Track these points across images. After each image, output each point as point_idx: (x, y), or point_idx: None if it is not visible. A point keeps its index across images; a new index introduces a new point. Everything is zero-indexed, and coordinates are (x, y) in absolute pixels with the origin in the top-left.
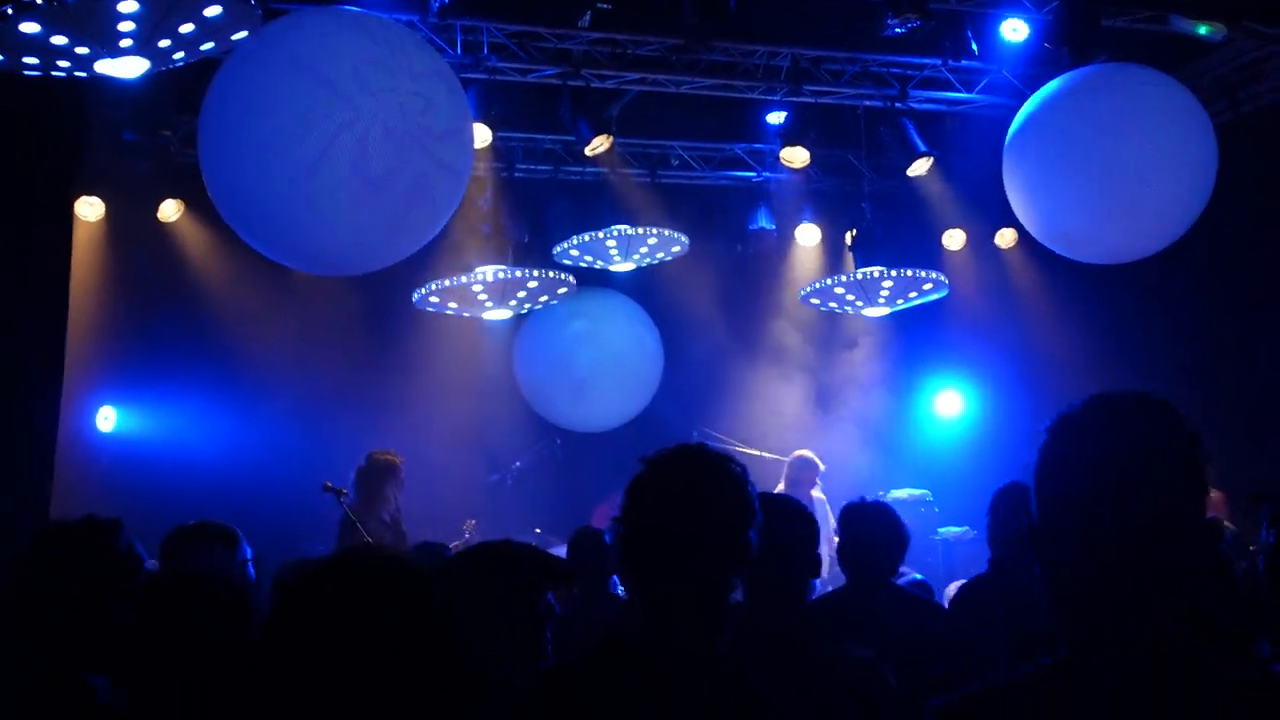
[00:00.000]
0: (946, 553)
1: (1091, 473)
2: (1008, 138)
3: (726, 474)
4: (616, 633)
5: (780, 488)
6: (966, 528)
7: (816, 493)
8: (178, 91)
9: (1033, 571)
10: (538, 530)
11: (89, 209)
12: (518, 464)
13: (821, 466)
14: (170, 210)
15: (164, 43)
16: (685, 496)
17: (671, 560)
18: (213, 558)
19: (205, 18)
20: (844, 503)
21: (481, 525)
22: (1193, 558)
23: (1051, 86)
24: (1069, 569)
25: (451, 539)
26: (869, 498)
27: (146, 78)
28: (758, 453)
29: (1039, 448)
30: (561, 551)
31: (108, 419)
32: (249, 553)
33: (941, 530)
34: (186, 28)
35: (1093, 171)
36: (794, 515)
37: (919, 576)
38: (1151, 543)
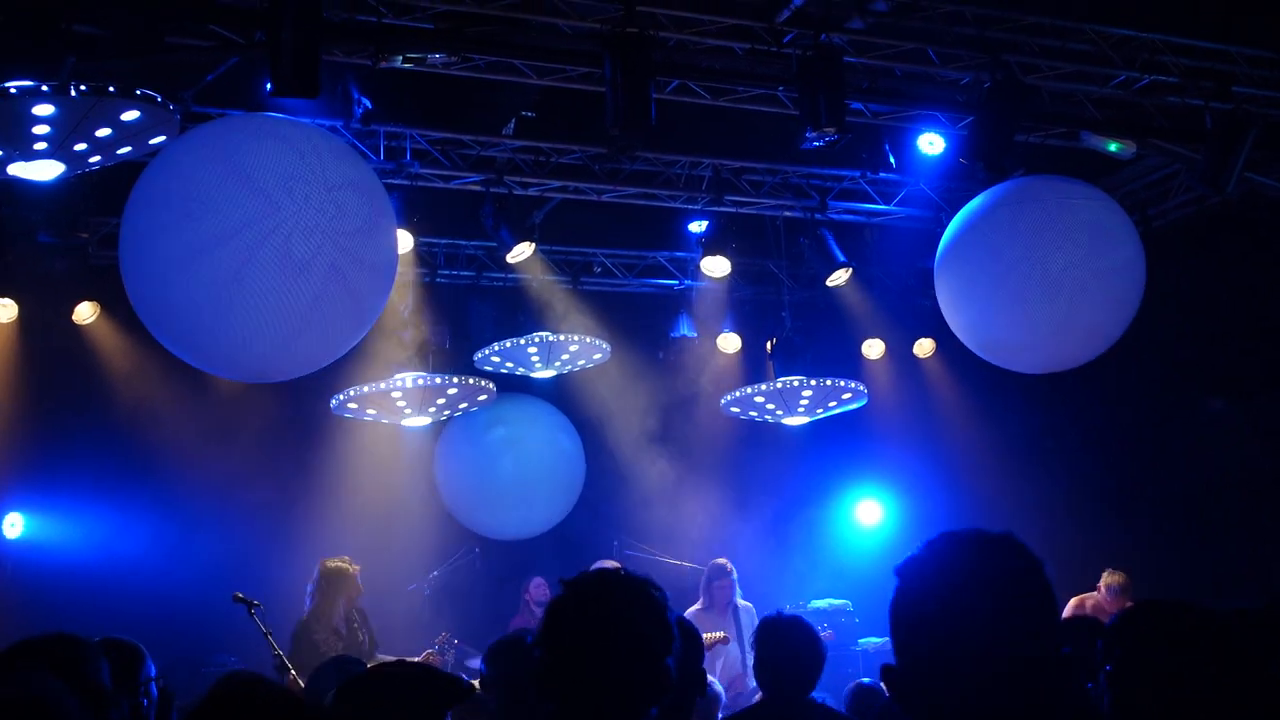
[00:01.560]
0: (867, 663)
1: (946, 613)
2: (940, 248)
3: (645, 599)
4: None
5: (700, 603)
6: (887, 638)
7: (742, 601)
8: (96, 193)
9: None
10: (455, 641)
11: (1, 310)
12: (435, 573)
13: (734, 572)
14: (85, 312)
15: (80, 146)
16: (603, 623)
17: (589, 687)
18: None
19: (123, 122)
20: (762, 614)
21: (398, 635)
22: (1054, 683)
23: (982, 197)
24: (937, 711)
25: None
26: (786, 611)
27: (63, 179)
28: (678, 562)
29: (894, 591)
30: (479, 664)
31: (14, 525)
32: (153, 671)
33: (862, 641)
34: (103, 132)
35: (1024, 282)
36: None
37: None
38: (1011, 677)
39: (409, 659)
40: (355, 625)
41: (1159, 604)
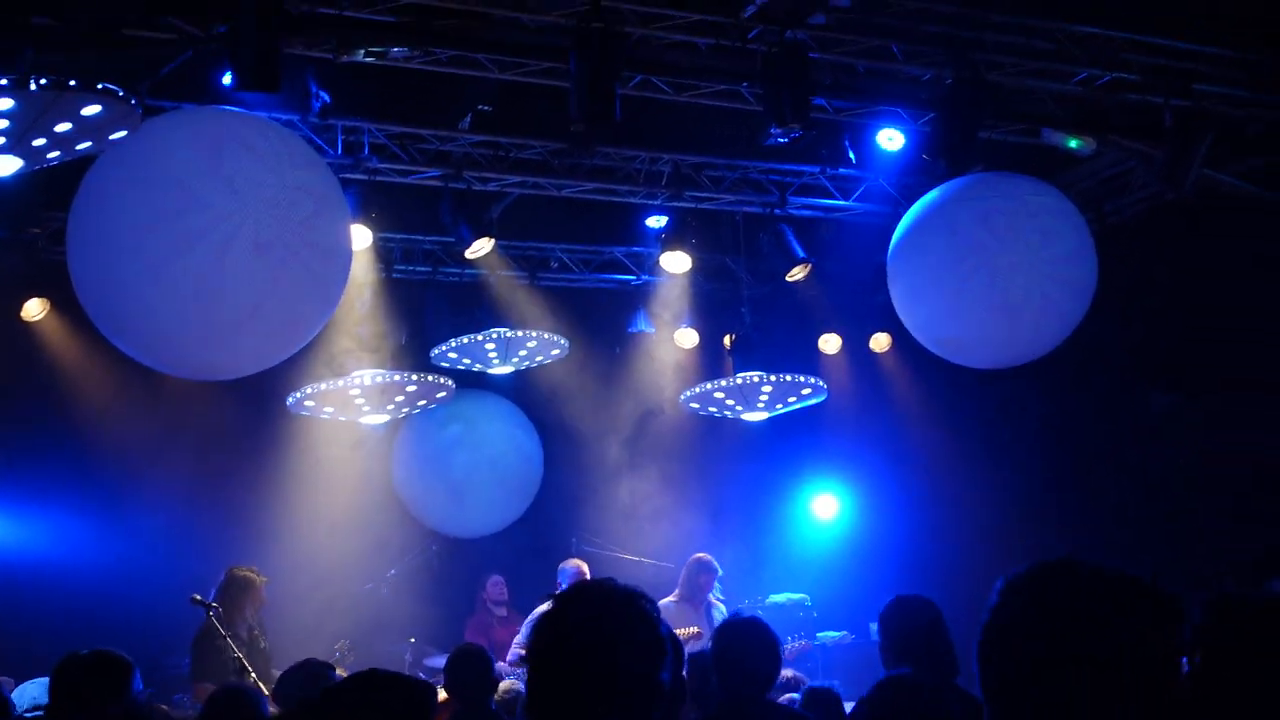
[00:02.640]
0: (824, 657)
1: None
2: (892, 243)
3: (637, 612)
4: None
5: (676, 594)
6: (845, 632)
7: (717, 598)
8: (47, 188)
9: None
10: (412, 640)
11: None
12: (393, 571)
13: (720, 570)
14: (35, 309)
15: (38, 141)
16: (595, 638)
17: (582, 703)
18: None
19: (83, 117)
20: (723, 608)
21: (356, 633)
22: None
23: (934, 193)
24: None
25: (322, 651)
26: (744, 610)
27: (18, 175)
28: (637, 558)
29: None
30: (437, 662)
31: None
32: (140, 685)
33: (820, 634)
34: (63, 127)
35: (976, 278)
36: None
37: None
38: None
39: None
40: (256, 634)
41: (1247, 597)
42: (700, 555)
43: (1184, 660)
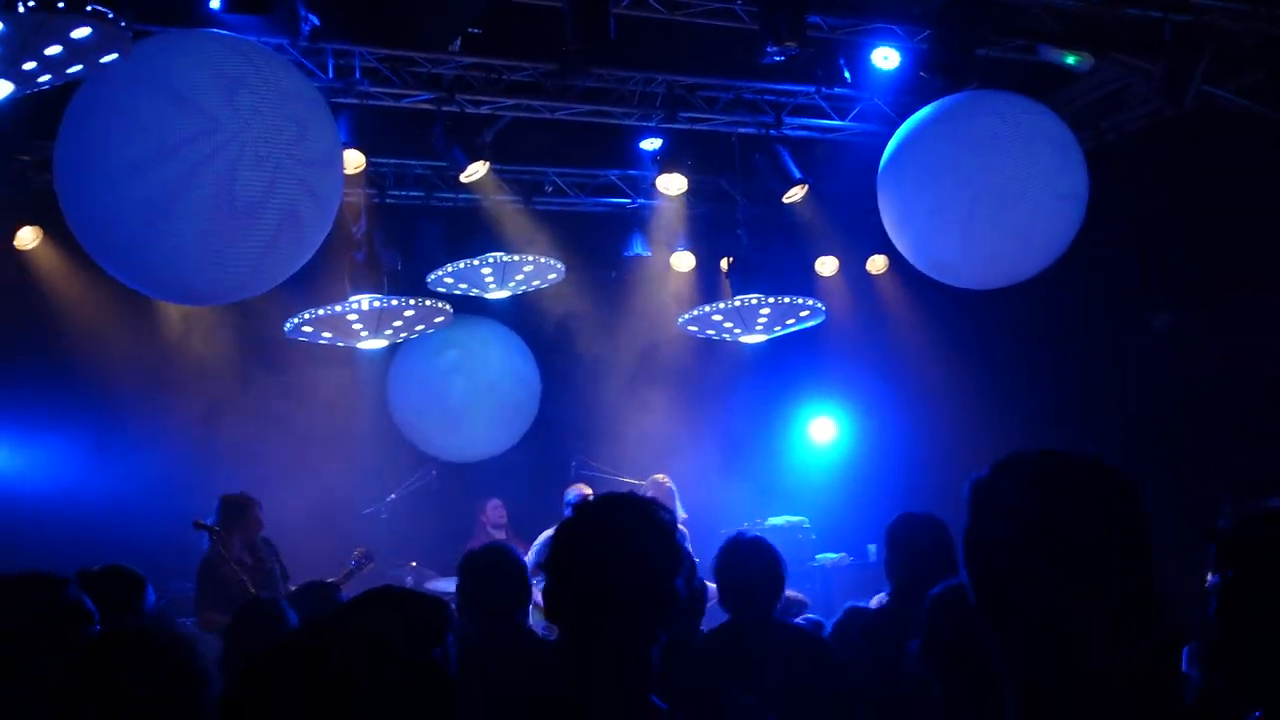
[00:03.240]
0: (824, 579)
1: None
2: (881, 164)
3: (654, 522)
4: (544, 683)
5: None
6: (843, 554)
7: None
8: (34, 115)
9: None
10: (413, 564)
11: None
12: (392, 496)
13: (672, 486)
14: (27, 237)
15: (29, 65)
16: (612, 546)
17: (599, 611)
18: (125, 603)
19: (73, 40)
20: (722, 531)
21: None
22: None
23: (922, 114)
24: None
25: (329, 573)
26: (747, 530)
27: (7, 101)
28: (636, 481)
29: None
30: (438, 585)
31: None
32: (153, 597)
33: (819, 556)
34: (53, 49)
35: (965, 197)
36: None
37: (813, 616)
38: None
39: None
40: (262, 556)
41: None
42: (655, 477)
43: (1214, 577)
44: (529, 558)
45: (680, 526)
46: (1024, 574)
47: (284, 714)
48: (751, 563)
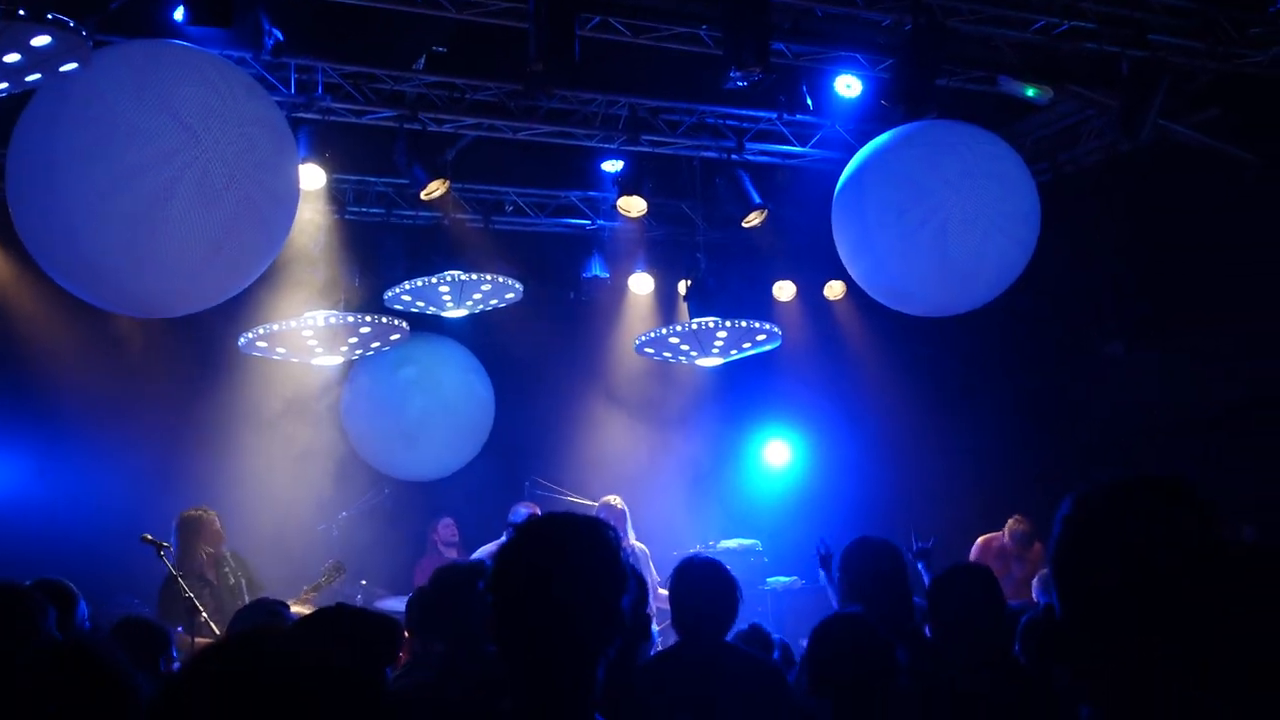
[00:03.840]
0: (775, 602)
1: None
2: (836, 190)
3: (599, 540)
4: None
5: None
6: (795, 577)
7: (637, 543)
8: None
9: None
10: (364, 582)
11: None
12: (344, 513)
13: (624, 509)
14: None
15: None
16: (555, 565)
17: (543, 631)
18: (49, 621)
19: (33, 47)
20: (674, 554)
21: (307, 575)
22: None
23: (877, 142)
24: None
25: (277, 588)
26: (702, 551)
27: None
28: (590, 502)
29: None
30: (389, 604)
31: None
32: (85, 611)
33: (770, 580)
34: (12, 57)
35: (917, 226)
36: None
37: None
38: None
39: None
40: (226, 570)
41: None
42: (607, 499)
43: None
44: None
45: (641, 546)
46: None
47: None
48: (704, 585)
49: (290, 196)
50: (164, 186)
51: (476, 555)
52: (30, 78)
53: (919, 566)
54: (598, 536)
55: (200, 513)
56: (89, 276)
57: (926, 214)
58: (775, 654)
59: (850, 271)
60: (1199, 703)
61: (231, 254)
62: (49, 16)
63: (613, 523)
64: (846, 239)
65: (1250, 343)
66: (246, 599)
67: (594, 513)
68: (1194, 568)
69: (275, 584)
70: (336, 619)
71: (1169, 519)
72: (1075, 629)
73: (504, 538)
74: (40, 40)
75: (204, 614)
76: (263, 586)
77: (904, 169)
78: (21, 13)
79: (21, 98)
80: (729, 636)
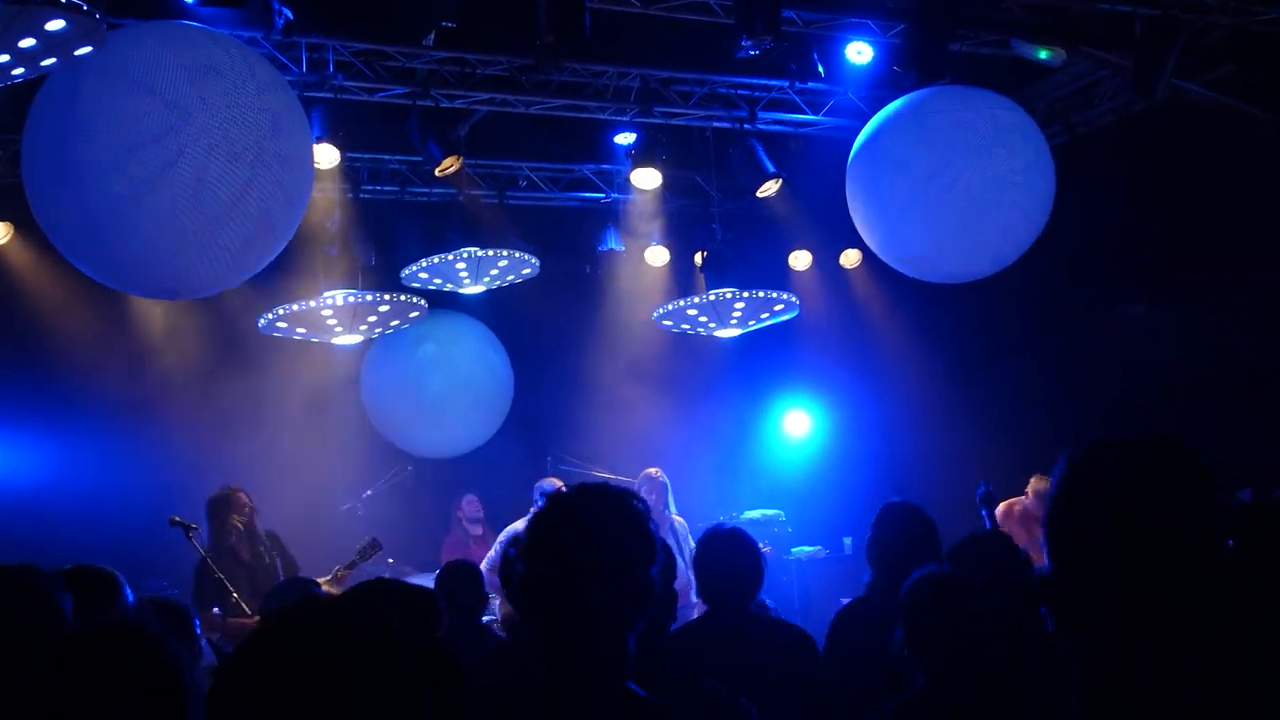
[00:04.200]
0: (800, 572)
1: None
2: (850, 158)
3: (628, 511)
4: (520, 671)
5: None
6: (819, 547)
7: (677, 517)
8: (2, 109)
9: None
10: (390, 560)
11: None
12: (368, 492)
13: (666, 481)
14: None
15: (2, 58)
16: (588, 535)
17: (574, 601)
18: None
19: (48, 31)
20: (700, 525)
21: (334, 554)
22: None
23: (889, 109)
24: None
25: (309, 568)
26: (725, 522)
27: None
28: (612, 476)
29: (1056, 492)
30: (416, 581)
31: None
32: (130, 598)
33: (794, 550)
34: (27, 42)
35: (931, 192)
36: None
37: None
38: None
39: (321, 578)
40: (261, 549)
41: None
42: (647, 471)
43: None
44: (493, 552)
45: (680, 520)
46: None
47: (282, 699)
48: (729, 554)
49: (304, 181)
50: (173, 166)
51: (507, 532)
52: (45, 62)
53: (982, 513)
54: (625, 507)
55: (229, 492)
56: (105, 260)
57: (943, 179)
58: None
59: (866, 240)
60: (1186, 657)
61: (241, 236)
62: (62, 1)
63: (653, 495)
64: (862, 208)
65: (1271, 299)
66: (281, 578)
67: (634, 485)
68: (1182, 525)
69: (304, 564)
70: (381, 592)
71: (1159, 477)
72: (1065, 584)
73: (518, 523)
74: (54, 25)
75: (235, 594)
76: (298, 568)
77: (915, 135)
78: None
79: (38, 81)
80: None
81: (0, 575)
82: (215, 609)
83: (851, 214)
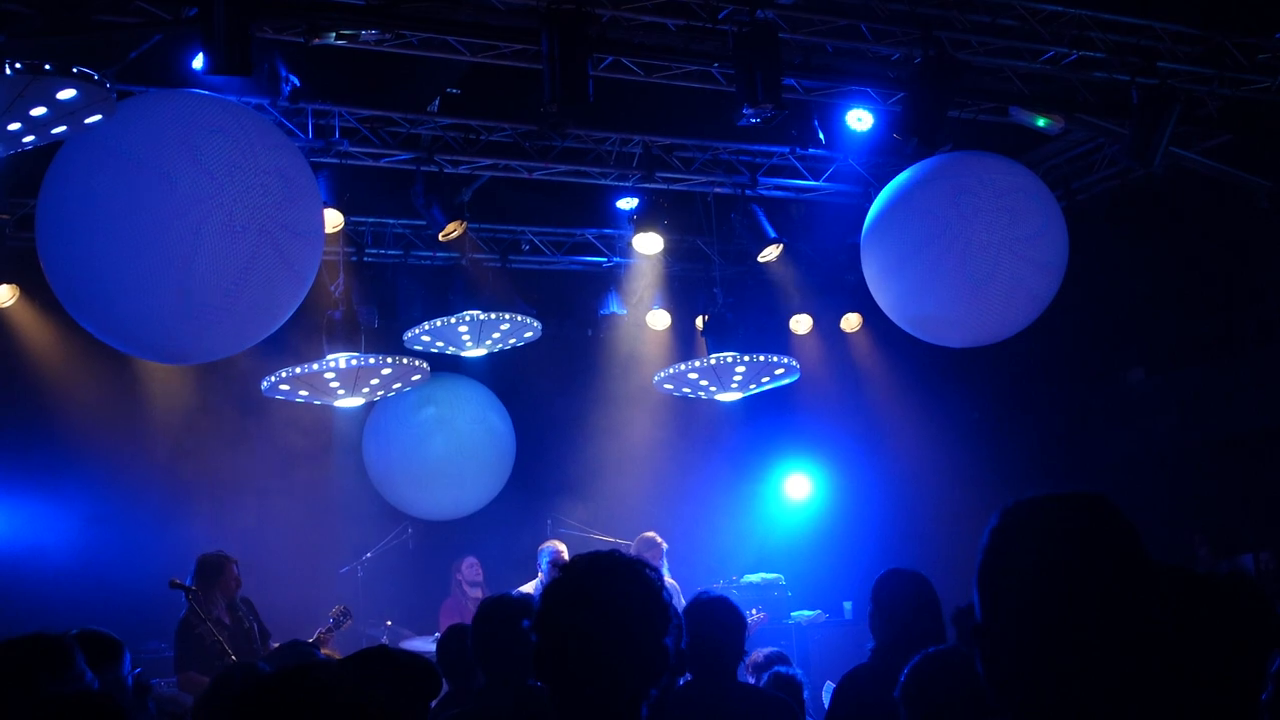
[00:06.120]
0: (800, 637)
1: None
2: (865, 223)
3: (642, 582)
4: None
5: None
6: (819, 611)
7: (670, 579)
8: (12, 173)
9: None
10: (389, 623)
11: None
12: (368, 554)
13: (664, 545)
14: (3, 295)
15: (14, 126)
16: (600, 606)
17: (588, 671)
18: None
19: (59, 100)
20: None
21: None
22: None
23: (907, 174)
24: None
25: (303, 631)
26: (711, 591)
27: None
28: (612, 539)
29: (983, 548)
30: (414, 645)
31: None
32: (128, 665)
33: (794, 614)
34: (38, 110)
35: (949, 256)
36: None
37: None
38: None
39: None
40: (240, 615)
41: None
42: (645, 534)
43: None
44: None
45: (672, 583)
46: (1035, 617)
47: None
48: (715, 622)
49: (313, 248)
50: (183, 234)
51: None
52: (56, 130)
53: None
54: (640, 578)
55: (221, 558)
56: (112, 324)
57: (954, 243)
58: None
59: (880, 303)
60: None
61: (249, 305)
62: (74, 70)
63: (651, 559)
64: (876, 271)
65: (1270, 364)
66: (258, 644)
67: (630, 549)
68: (1107, 586)
69: (297, 627)
70: (380, 658)
71: (1088, 537)
72: (992, 639)
73: (541, 577)
74: (66, 93)
75: (233, 657)
76: (269, 634)
77: (929, 201)
78: (48, 67)
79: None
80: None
81: (35, 645)
82: (192, 670)
83: (865, 274)
